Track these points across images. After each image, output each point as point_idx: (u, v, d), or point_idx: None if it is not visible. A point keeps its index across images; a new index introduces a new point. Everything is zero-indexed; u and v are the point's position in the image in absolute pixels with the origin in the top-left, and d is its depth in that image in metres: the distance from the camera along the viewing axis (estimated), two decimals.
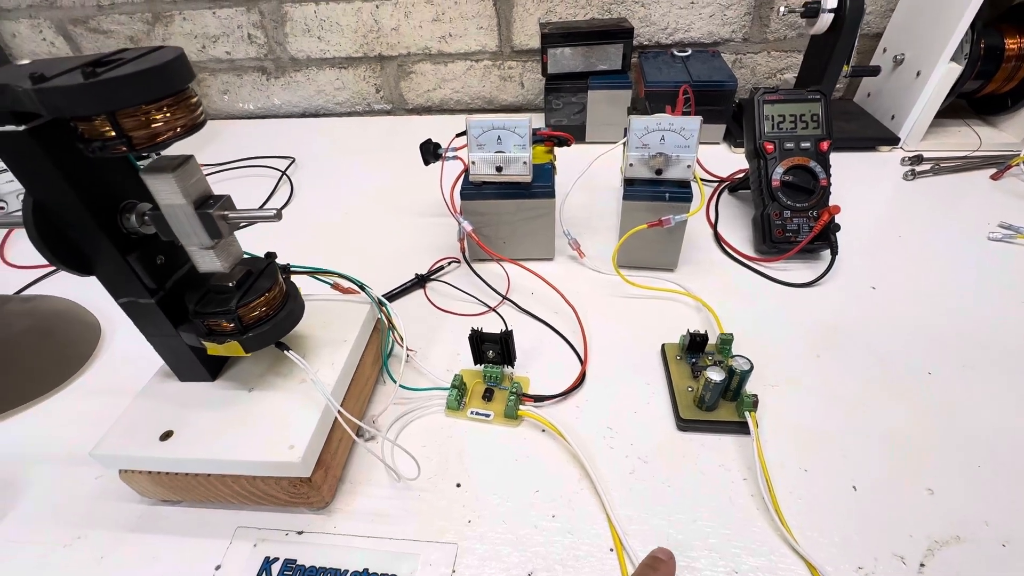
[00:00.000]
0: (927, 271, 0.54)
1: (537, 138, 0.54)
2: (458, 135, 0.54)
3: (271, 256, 0.37)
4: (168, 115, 0.25)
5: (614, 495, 0.36)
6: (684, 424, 0.40)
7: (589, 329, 0.49)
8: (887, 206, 0.65)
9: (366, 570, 0.33)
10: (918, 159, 0.70)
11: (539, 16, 0.86)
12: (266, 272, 0.35)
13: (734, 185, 0.68)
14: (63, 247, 0.29)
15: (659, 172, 0.50)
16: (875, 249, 0.57)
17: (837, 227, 0.54)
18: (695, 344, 0.43)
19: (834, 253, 0.53)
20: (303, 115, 1.03)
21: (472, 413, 0.42)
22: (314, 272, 0.46)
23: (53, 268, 0.62)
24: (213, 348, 0.34)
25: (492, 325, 0.50)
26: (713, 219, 0.63)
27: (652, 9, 0.84)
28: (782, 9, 0.72)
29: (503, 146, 0.51)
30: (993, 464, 0.37)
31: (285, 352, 0.36)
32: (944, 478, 0.36)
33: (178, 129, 0.26)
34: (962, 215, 0.61)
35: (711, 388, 0.38)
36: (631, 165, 0.50)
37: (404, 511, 0.36)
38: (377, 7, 0.89)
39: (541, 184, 0.53)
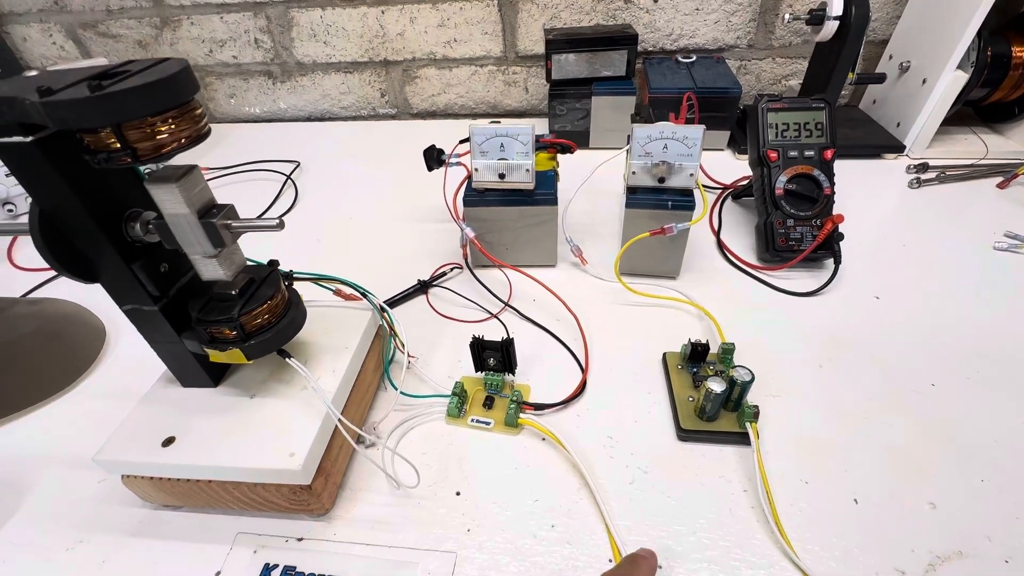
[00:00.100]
0: (932, 281, 0.53)
1: (540, 145, 0.54)
2: (461, 142, 0.54)
3: (274, 264, 0.37)
4: (173, 126, 0.25)
5: (613, 505, 0.36)
6: (685, 434, 0.40)
7: (590, 337, 0.49)
8: (892, 214, 0.64)
9: None
10: (924, 167, 0.70)
11: (544, 22, 0.87)
12: (268, 280, 0.35)
13: (737, 192, 0.67)
14: (68, 255, 0.30)
15: (662, 180, 0.50)
16: (879, 258, 0.57)
17: (841, 236, 0.53)
18: (696, 354, 0.43)
19: (837, 262, 0.53)
20: (308, 119, 1.04)
21: (472, 421, 0.42)
22: (317, 279, 0.46)
23: None
24: (215, 355, 0.34)
25: (494, 332, 0.50)
26: (716, 226, 0.63)
27: (657, 15, 0.84)
28: (787, 16, 0.72)
29: (506, 153, 0.51)
30: (997, 478, 0.36)
31: (286, 360, 0.36)
32: (947, 492, 0.36)
33: (183, 140, 0.26)
34: (968, 224, 0.61)
35: (712, 399, 0.38)
36: (633, 173, 0.50)
37: (404, 519, 0.36)
38: (383, 12, 0.89)
39: (543, 191, 0.53)
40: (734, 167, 0.74)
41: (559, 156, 0.57)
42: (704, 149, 0.49)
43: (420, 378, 0.46)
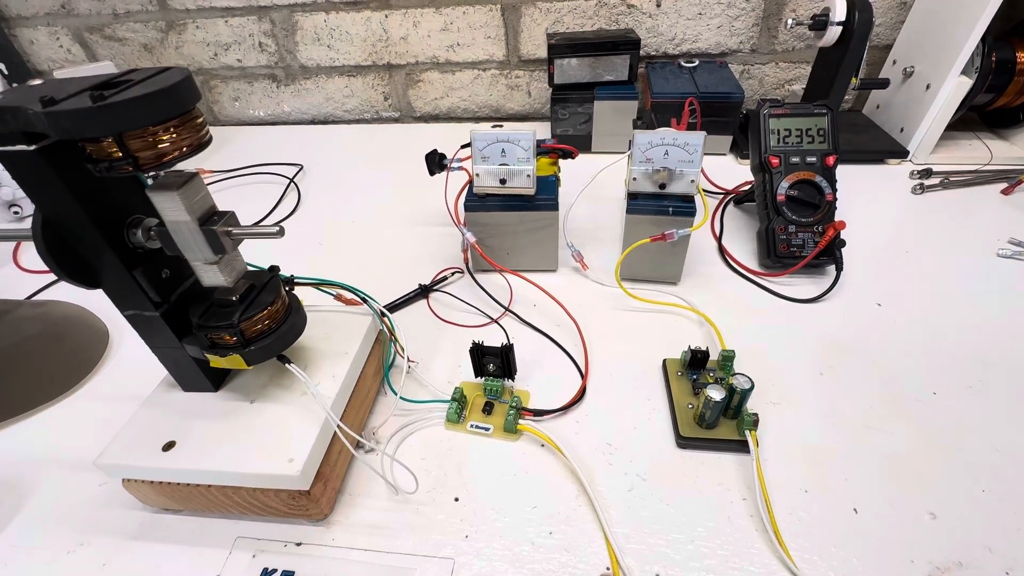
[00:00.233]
0: (934, 288, 0.53)
1: (541, 150, 0.54)
2: (463, 146, 0.54)
3: (274, 270, 0.37)
4: (174, 135, 0.26)
5: (612, 512, 0.36)
6: (684, 442, 0.40)
7: (590, 342, 0.49)
8: (895, 221, 0.64)
9: None
10: (927, 173, 0.70)
11: (547, 26, 0.87)
12: (269, 286, 0.36)
13: (739, 197, 0.67)
14: (71, 261, 0.30)
15: (662, 186, 0.50)
16: (881, 265, 0.56)
17: (842, 243, 0.53)
18: (696, 360, 0.43)
19: (839, 269, 0.53)
20: (312, 122, 1.04)
21: (472, 426, 0.42)
22: (318, 284, 0.46)
23: None
24: (216, 360, 0.34)
25: (494, 337, 0.50)
26: (718, 231, 0.63)
27: (660, 20, 0.84)
28: (790, 21, 0.72)
29: (507, 158, 0.51)
30: (998, 489, 0.36)
31: (286, 365, 0.36)
32: (947, 502, 0.35)
33: (184, 149, 0.26)
34: (971, 231, 0.61)
35: (711, 406, 0.38)
36: (634, 179, 0.50)
37: (402, 524, 0.36)
38: (386, 16, 0.90)
39: (544, 196, 0.53)
40: (736, 172, 0.74)
41: (560, 161, 0.57)
42: (706, 154, 0.49)
43: (420, 383, 0.46)
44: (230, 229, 0.31)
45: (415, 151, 0.62)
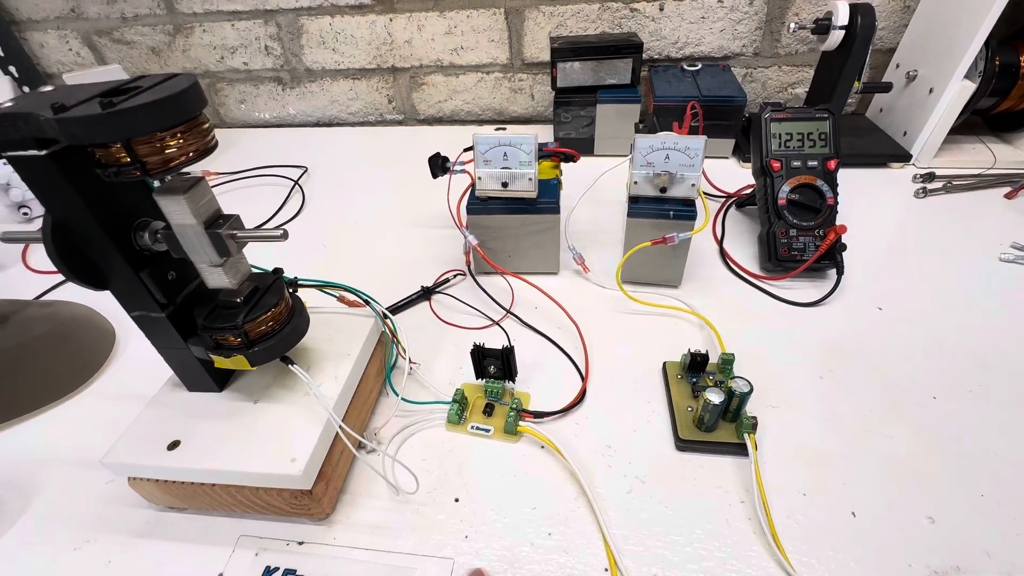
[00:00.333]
0: (936, 292, 0.53)
1: (543, 154, 0.55)
2: (466, 150, 0.55)
3: (278, 272, 0.38)
4: (181, 141, 0.26)
5: (611, 514, 0.36)
6: (683, 444, 0.40)
7: (591, 345, 0.49)
8: (897, 224, 0.64)
9: None
10: (930, 176, 0.70)
11: (550, 30, 0.87)
12: (272, 288, 0.36)
13: (741, 201, 0.67)
14: (79, 263, 0.31)
15: (663, 190, 0.50)
16: (883, 268, 0.57)
17: (843, 247, 0.53)
18: (695, 363, 0.43)
19: (840, 273, 0.53)
20: (317, 124, 1.05)
21: (472, 428, 0.42)
22: (321, 285, 0.46)
23: None
24: (220, 361, 0.35)
25: (496, 339, 0.50)
26: (719, 235, 0.63)
27: (663, 23, 0.84)
28: (792, 25, 0.72)
29: (509, 162, 0.51)
30: (997, 493, 0.36)
31: (289, 366, 0.37)
32: (946, 506, 0.36)
33: (190, 154, 0.27)
34: (974, 234, 0.61)
35: (710, 409, 0.38)
36: (635, 183, 0.50)
37: (402, 524, 0.37)
38: (391, 20, 0.90)
39: (546, 199, 0.54)
40: (739, 175, 0.74)
41: (562, 164, 0.58)
42: (708, 157, 0.49)
43: (421, 384, 0.47)
44: (235, 232, 0.31)
45: (418, 154, 0.62)
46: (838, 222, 0.54)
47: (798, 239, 0.55)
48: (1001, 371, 0.44)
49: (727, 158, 0.79)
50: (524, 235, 0.55)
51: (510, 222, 0.55)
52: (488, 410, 0.44)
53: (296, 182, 0.82)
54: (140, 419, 0.38)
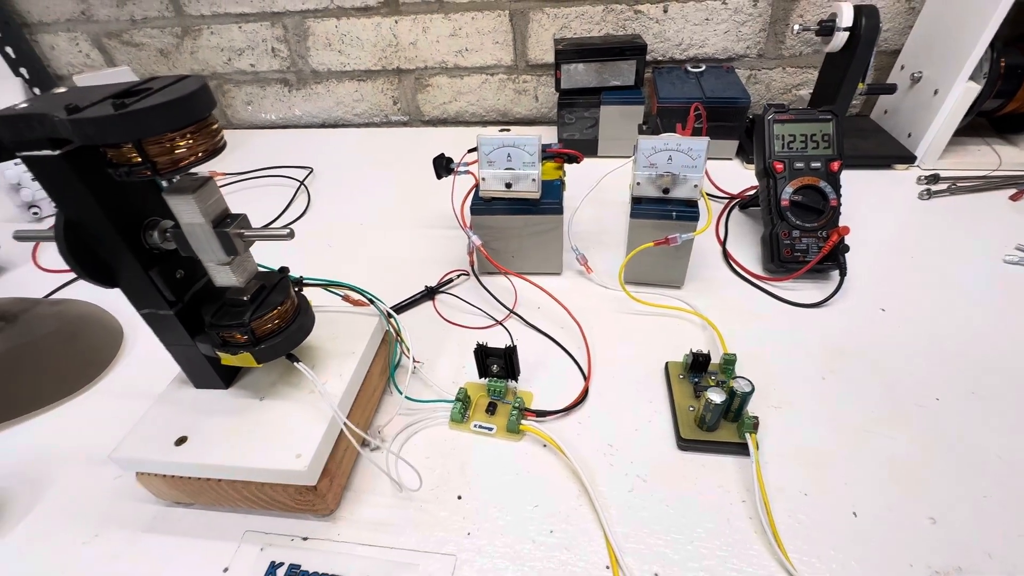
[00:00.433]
0: (939, 294, 0.53)
1: (547, 155, 0.55)
2: (470, 151, 0.55)
3: (284, 271, 0.39)
4: (191, 141, 0.27)
5: (612, 512, 0.37)
6: (685, 444, 0.40)
7: (593, 345, 0.49)
8: (901, 226, 0.64)
9: None
10: (935, 178, 0.70)
11: (554, 32, 0.88)
12: (279, 286, 0.37)
13: (745, 202, 0.68)
14: (91, 262, 0.31)
15: (666, 191, 0.50)
16: (886, 270, 0.56)
17: (846, 248, 0.53)
18: (697, 364, 0.44)
19: (843, 274, 0.53)
20: (322, 125, 1.06)
21: (475, 426, 0.43)
22: (326, 284, 0.47)
23: None
24: (227, 358, 0.36)
25: (499, 339, 0.51)
26: (722, 236, 0.63)
27: (666, 25, 0.84)
28: (796, 27, 0.72)
29: (513, 163, 0.52)
30: (999, 494, 0.36)
31: (295, 364, 0.37)
32: (947, 507, 0.36)
33: (199, 154, 0.27)
34: (978, 236, 0.60)
35: (711, 409, 0.38)
36: (638, 184, 0.50)
37: (406, 521, 0.37)
38: (396, 22, 0.91)
39: (549, 200, 0.54)
40: (742, 176, 0.74)
41: (566, 165, 0.58)
42: (712, 158, 0.49)
43: (425, 383, 0.47)
44: (242, 231, 0.32)
45: (423, 155, 0.63)
46: (841, 223, 0.54)
47: (801, 240, 0.55)
48: (1005, 373, 0.44)
49: (731, 159, 0.80)
50: (527, 235, 0.56)
51: (513, 222, 0.55)
52: (491, 409, 0.44)
53: (302, 183, 0.82)
54: (148, 415, 0.38)
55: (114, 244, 0.31)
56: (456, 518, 0.37)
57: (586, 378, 0.46)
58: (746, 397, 0.39)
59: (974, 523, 0.35)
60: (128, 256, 0.31)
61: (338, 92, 1.01)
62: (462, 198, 0.57)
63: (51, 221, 0.79)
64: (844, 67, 0.69)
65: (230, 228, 0.31)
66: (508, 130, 0.96)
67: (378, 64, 0.96)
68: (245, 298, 0.35)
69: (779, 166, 0.55)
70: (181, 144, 0.26)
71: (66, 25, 1.00)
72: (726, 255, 0.60)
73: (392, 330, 0.48)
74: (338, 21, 0.93)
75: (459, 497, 0.38)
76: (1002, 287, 0.53)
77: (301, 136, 1.01)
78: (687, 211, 0.50)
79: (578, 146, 0.75)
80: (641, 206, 0.51)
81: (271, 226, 0.72)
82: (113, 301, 0.59)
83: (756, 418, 0.39)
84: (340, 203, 0.78)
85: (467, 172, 0.57)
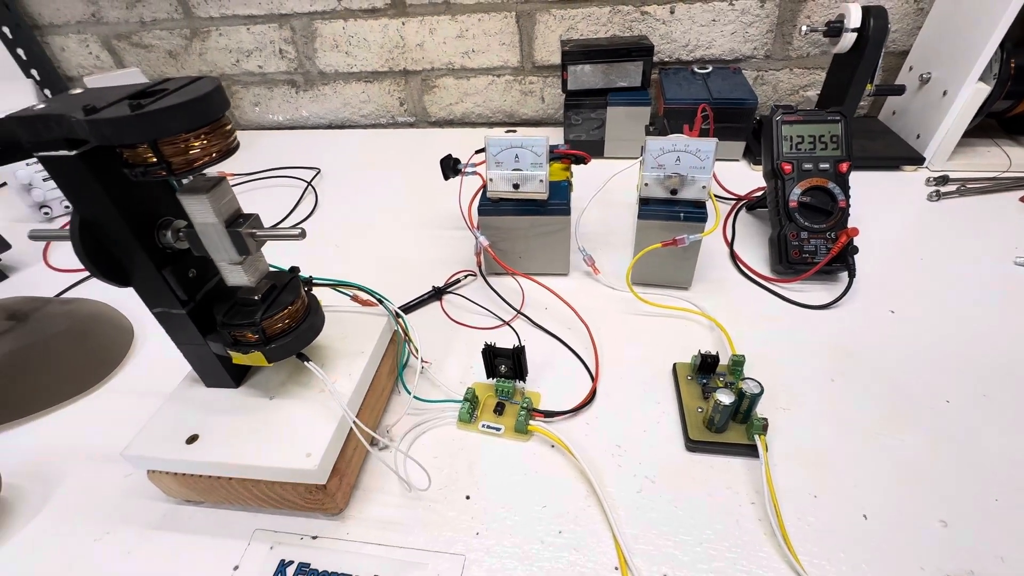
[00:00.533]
0: (949, 296, 0.53)
1: (554, 156, 0.55)
2: (477, 152, 0.55)
3: (294, 271, 0.39)
4: (205, 142, 0.27)
5: (621, 513, 0.37)
6: (693, 445, 0.40)
7: (601, 346, 0.49)
8: (910, 228, 0.64)
9: None
10: (944, 180, 0.69)
11: (561, 33, 0.88)
12: (289, 286, 0.37)
13: (752, 203, 0.67)
14: (105, 261, 0.32)
15: (674, 192, 0.50)
16: (895, 272, 0.56)
17: (855, 250, 0.53)
18: (706, 365, 0.44)
19: (852, 276, 0.53)
20: (329, 126, 1.07)
21: (483, 426, 0.43)
22: (335, 284, 0.47)
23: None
24: (238, 357, 0.36)
25: (506, 339, 0.51)
26: (730, 237, 0.63)
27: (673, 27, 0.84)
28: (804, 28, 0.72)
29: (520, 164, 0.52)
30: (1012, 497, 0.36)
31: (305, 363, 0.37)
32: (959, 510, 0.35)
33: (214, 155, 0.28)
34: (988, 238, 0.60)
35: (720, 410, 0.38)
36: (646, 185, 0.50)
37: (414, 520, 0.37)
38: (403, 24, 0.91)
39: (557, 201, 0.54)
40: (749, 177, 0.74)
41: (572, 166, 0.58)
42: (719, 159, 0.49)
43: (433, 383, 0.47)
44: (254, 231, 0.32)
45: (429, 155, 0.63)
46: (850, 225, 0.54)
47: (809, 242, 0.55)
48: (1016, 375, 0.44)
49: (737, 160, 0.79)
50: (534, 236, 0.56)
51: (521, 223, 0.55)
52: (499, 409, 0.44)
53: (309, 183, 0.83)
54: (160, 414, 0.38)
55: (128, 243, 0.31)
56: (465, 518, 0.37)
57: (594, 379, 0.46)
58: (755, 399, 0.39)
59: (986, 527, 0.34)
60: (142, 255, 0.32)
61: (345, 93, 1.02)
62: (469, 199, 0.57)
63: (61, 221, 0.79)
64: (852, 68, 0.69)
65: (243, 228, 0.31)
66: (514, 131, 0.96)
67: (385, 65, 0.97)
68: (256, 297, 0.35)
69: (787, 167, 0.55)
70: (196, 144, 0.27)
71: (76, 27, 1.01)
72: (733, 256, 0.60)
73: (400, 330, 0.48)
74: (345, 23, 0.93)
75: (467, 497, 0.38)
76: (1012, 289, 0.53)
77: (308, 137, 1.02)
78: (695, 212, 0.50)
79: (584, 147, 0.75)
80: (649, 207, 0.51)
81: (280, 226, 0.73)
82: (123, 300, 0.59)
83: (765, 420, 0.39)
84: (347, 204, 0.78)
85: (474, 173, 0.57)
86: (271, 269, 0.38)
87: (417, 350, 0.47)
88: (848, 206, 0.54)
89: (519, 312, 0.54)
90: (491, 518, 0.37)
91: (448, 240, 0.66)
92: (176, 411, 0.39)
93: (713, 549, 0.34)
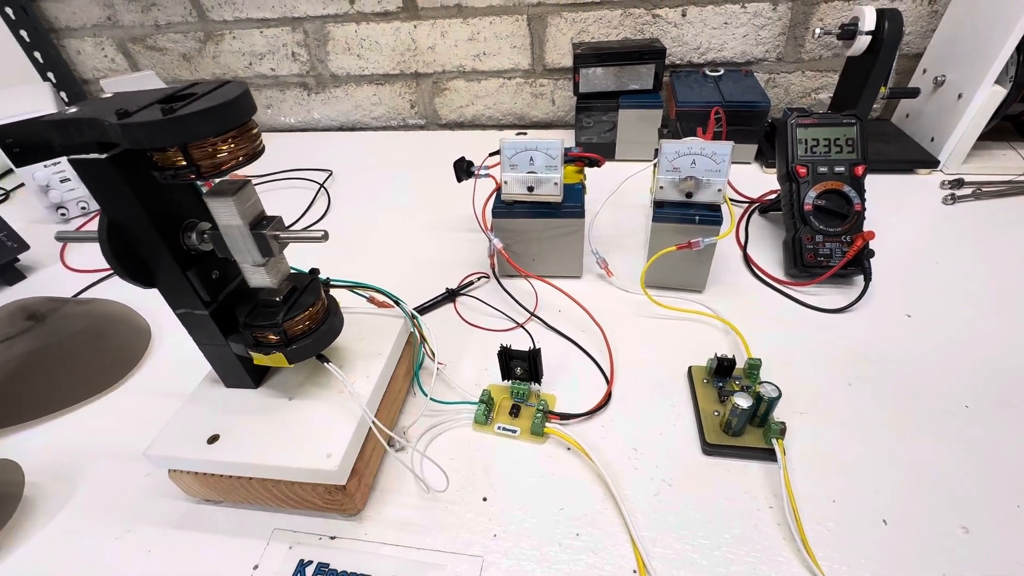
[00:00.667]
0: (966, 300, 0.52)
1: (568, 159, 0.55)
2: (491, 154, 0.56)
3: (315, 272, 0.39)
4: (233, 146, 0.27)
5: (638, 516, 0.37)
6: (710, 448, 0.40)
7: (616, 348, 0.49)
8: (925, 231, 0.63)
9: None
10: (959, 183, 0.69)
11: (572, 36, 0.88)
12: (310, 288, 0.37)
13: (765, 206, 0.67)
14: (132, 262, 0.32)
15: (689, 195, 0.50)
16: (911, 276, 0.56)
17: (871, 253, 0.53)
18: (722, 368, 0.44)
19: (867, 279, 0.53)
20: (341, 129, 1.07)
21: (499, 428, 0.43)
22: (352, 286, 0.47)
23: (108, 272, 0.66)
24: (259, 358, 0.36)
25: (520, 341, 0.51)
26: (743, 241, 0.63)
27: (685, 29, 0.84)
28: (817, 31, 0.72)
29: (535, 166, 0.52)
30: None
31: (324, 364, 0.38)
32: (980, 516, 0.35)
33: (240, 158, 0.28)
34: (1004, 242, 0.60)
35: (738, 414, 0.38)
36: (661, 188, 0.50)
37: (432, 522, 0.37)
38: (415, 27, 0.92)
39: (571, 204, 0.54)
40: (761, 181, 0.74)
41: (586, 169, 0.58)
42: (731, 162, 0.49)
43: (448, 385, 0.47)
44: (278, 233, 0.32)
45: (440, 157, 0.63)
46: (865, 228, 0.54)
47: (824, 245, 0.54)
48: None
49: (749, 163, 0.79)
50: (548, 238, 0.56)
51: (534, 226, 0.55)
52: (514, 411, 0.44)
53: (322, 185, 0.83)
54: (180, 413, 0.39)
55: (154, 245, 0.31)
56: (482, 519, 0.37)
57: (609, 381, 0.46)
58: (773, 402, 0.39)
59: (1008, 533, 0.34)
60: (167, 257, 0.32)
61: (356, 96, 1.02)
62: (483, 201, 0.57)
63: (78, 223, 0.80)
64: (866, 71, 0.69)
65: (266, 230, 0.32)
66: (525, 134, 0.96)
67: (396, 68, 0.97)
68: (278, 299, 0.35)
69: (802, 170, 0.55)
70: (223, 148, 0.27)
71: (92, 30, 1.02)
72: (747, 259, 0.60)
73: (416, 331, 0.48)
74: (357, 26, 0.94)
75: (484, 499, 0.39)
76: None
77: (320, 139, 1.02)
78: (710, 215, 0.50)
79: (596, 150, 0.75)
80: (664, 210, 0.51)
81: (295, 228, 0.73)
82: (141, 300, 0.60)
83: (783, 423, 0.39)
84: (359, 205, 0.79)
85: (488, 176, 0.58)
86: (292, 271, 0.38)
87: (434, 352, 0.48)
88: (863, 209, 0.54)
89: (533, 314, 0.54)
90: (508, 520, 0.37)
91: (460, 242, 0.66)
92: (197, 411, 0.39)
93: (732, 553, 0.34)
